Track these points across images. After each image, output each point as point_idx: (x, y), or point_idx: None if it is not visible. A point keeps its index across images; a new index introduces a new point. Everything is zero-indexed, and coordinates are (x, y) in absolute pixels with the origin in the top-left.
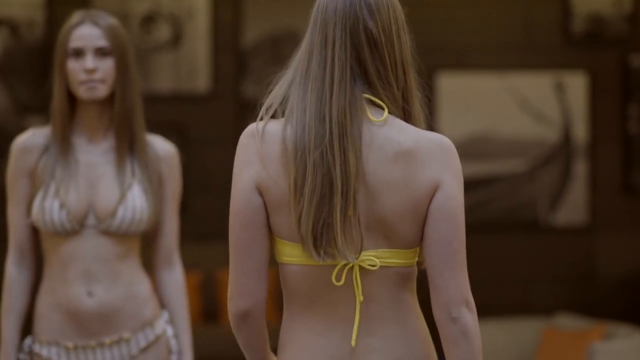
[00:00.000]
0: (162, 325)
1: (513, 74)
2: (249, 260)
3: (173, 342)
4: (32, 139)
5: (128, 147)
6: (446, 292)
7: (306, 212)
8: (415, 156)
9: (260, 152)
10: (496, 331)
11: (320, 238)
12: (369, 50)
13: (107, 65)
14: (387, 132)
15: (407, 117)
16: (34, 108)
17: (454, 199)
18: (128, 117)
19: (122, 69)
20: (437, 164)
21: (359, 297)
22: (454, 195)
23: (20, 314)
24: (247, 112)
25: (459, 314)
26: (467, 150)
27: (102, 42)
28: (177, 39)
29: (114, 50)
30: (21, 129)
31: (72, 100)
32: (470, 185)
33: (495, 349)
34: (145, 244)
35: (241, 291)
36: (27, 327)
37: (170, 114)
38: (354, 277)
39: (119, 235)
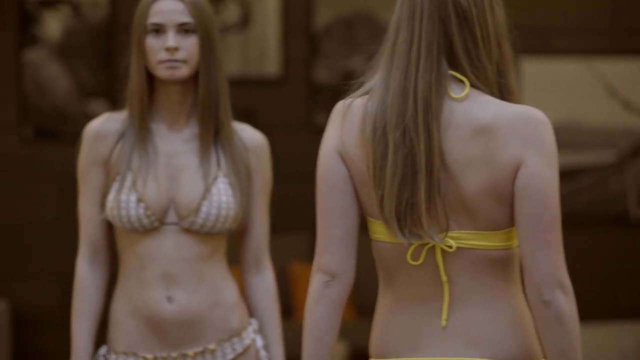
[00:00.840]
0: (250, 335)
1: (600, 59)
2: (337, 229)
3: (263, 354)
4: (106, 124)
5: (213, 135)
6: (537, 273)
7: (388, 192)
8: (496, 132)
9: (342, 129)
10: (591, 334)
11: (404, 219)
12: (458, 24)
13: (190, 44)
14: (466, 108)
15: (503, 92)
16: (97, 92)
17: (540, 176)
18: (213, 101)
19: (206, 47)
20: (519, 139)
21: (443, 278)
22: (540, 172)
23: (93, 317)
24: (318, 97)
25: (551, 296)
26: None
27: (185, 18)
28: (246, 20)
29: (198, 27)
30: (84, 114)
31: (150, 82)
32: None
33: (593, 353)
34: (232, 244)
35: (328, 259)
36: (101, 334)
37: (239, 99)
38: (436, 258)
39: (202, 233)
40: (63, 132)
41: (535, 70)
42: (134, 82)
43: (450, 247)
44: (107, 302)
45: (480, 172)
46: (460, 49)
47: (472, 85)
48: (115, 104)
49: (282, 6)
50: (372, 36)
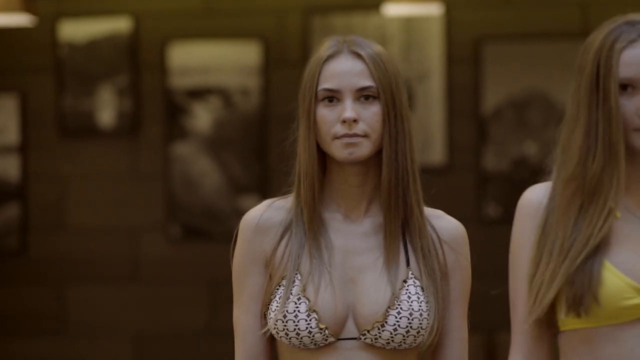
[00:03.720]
0: None
1: None
2: None
3: None
4: (268, 214)
5: (400, 226)
6: None
7: None
8: None
9: None
10: None
11: None
12: None
13: (372, 113)
14: None
15: None
16: (249, 187)
17: None
18: (402, 184)
19: (392, 117)
20: None
21: None
22: None
23: None
24: (487, 186)
25: None
26: None
27: (366, 81)
28: (408, 105)
29: (383, 91)
30: (235, 211)
31: (322, 161)
32: None
33: None
34: None
35: None
36: None
37: None
38: None
39: (388, 350)
40: (213, 231)
41: None
42: (303, 161)
43: None
44: None
45: None
46: None
47: None
48: None
49: (446, 88)
50: (547, 119)
